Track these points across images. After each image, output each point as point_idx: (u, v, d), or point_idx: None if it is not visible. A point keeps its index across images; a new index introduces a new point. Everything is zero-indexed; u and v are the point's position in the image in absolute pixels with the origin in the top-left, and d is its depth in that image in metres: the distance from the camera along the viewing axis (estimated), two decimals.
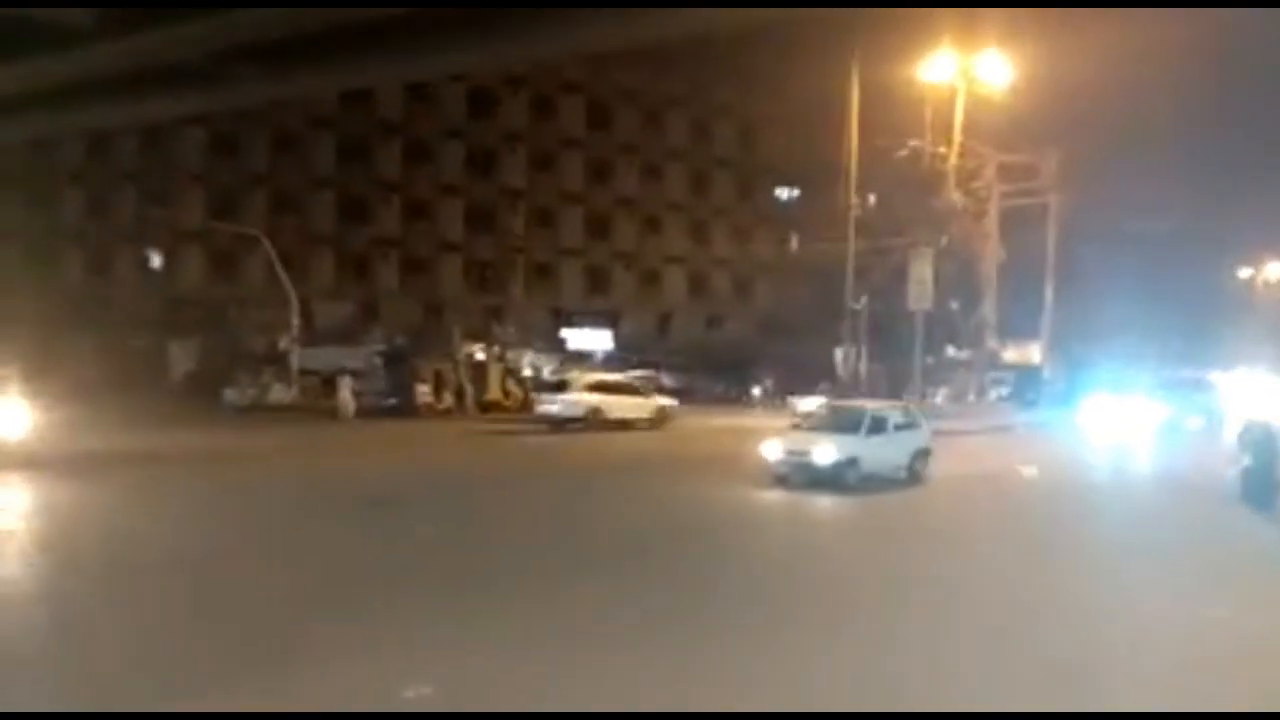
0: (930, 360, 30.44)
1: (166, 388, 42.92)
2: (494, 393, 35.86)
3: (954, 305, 31.51)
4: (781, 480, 15.81)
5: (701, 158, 58.79)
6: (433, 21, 17.83)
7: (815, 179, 44.58)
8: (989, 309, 30.63)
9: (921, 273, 28.21)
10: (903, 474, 16.62)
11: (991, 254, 30.20)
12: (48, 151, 47.13)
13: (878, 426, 16.61)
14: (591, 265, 57.35)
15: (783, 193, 59.39)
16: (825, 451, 15.70)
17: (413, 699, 5.99)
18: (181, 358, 46.98)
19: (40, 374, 21.83)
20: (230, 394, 35.01)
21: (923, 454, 17.26)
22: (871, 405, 18.63)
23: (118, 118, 27.66)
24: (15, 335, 38.52)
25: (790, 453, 16.06)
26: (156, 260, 52.56)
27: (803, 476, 15.69)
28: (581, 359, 46.65)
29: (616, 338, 52.06)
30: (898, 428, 17.11)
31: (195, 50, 18.02)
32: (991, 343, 30.91)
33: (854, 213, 29.82)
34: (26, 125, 25.76)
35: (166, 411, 30.39)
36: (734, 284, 59.24)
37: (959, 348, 32.23)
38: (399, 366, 35.70)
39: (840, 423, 16.95)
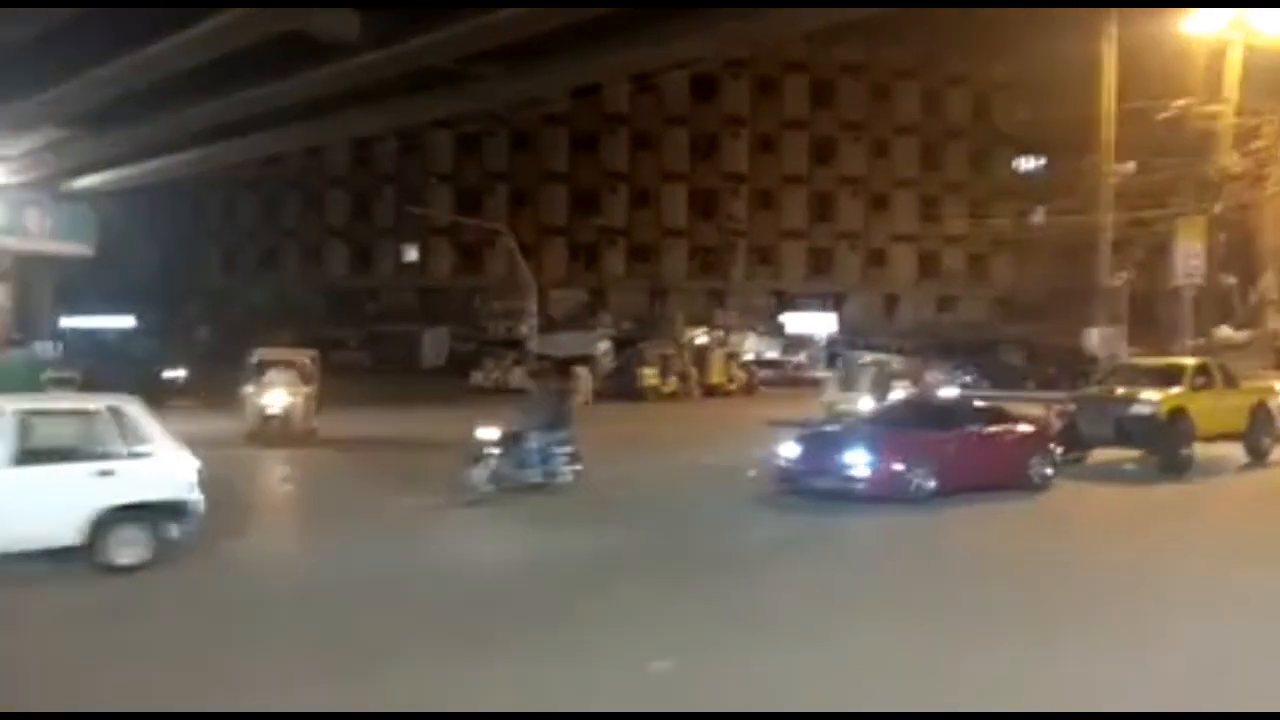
0: (1200, 341, 27.47)
1: (420, 371, 46.57)
2: (717, 376, 36.21)
3: (1229, 280, 28.30)
4: None
5: (932, 131, 56.24)
6: (662, 11, 18.13)
7: (1059, 147, 41.46)
8: (1270, 284, 27.28)
9: (1190, 244, 25.46)
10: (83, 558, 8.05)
11: (1274, 223, 26.85)
12: (318, 158, 52.31)
13: None
14: (815, 247, 56.49)
15: (1022, 163, 55.69)
16: None
17: None
18: (432, 344, 50.87)
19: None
20: (476, 376, 37.44)
21: (126, 515, 8.20)
22: None
23: (376, 123, 30.09)
24: (292, 325, 43.38)
25: None
26: (411, 255, 57.05)
27: None
28: (803, 343, 46.11)
29: (841, 320, 50.99)
30: (28, 457, 8.09)
31: (448, 54, 19.29)
32: (1273, 322, 27.49)
33: (1109, 179, 27.44)
34: (301, 134, 28.54)
35: (420, 392, 32.96)
36: (968, 262, 56.33)
37: (1235, 327, 28.83)
38: (625, 351, 36.88)
39: None
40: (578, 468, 12.71)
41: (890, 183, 56.33)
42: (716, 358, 37.40)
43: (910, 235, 56.26)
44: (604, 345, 38.16)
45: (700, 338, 38.53)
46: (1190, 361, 17.04)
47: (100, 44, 18.17)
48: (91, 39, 17.81)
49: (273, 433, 17.59)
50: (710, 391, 34.34)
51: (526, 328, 42.10)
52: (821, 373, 31.83)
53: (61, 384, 25.14)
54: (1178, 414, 15.16)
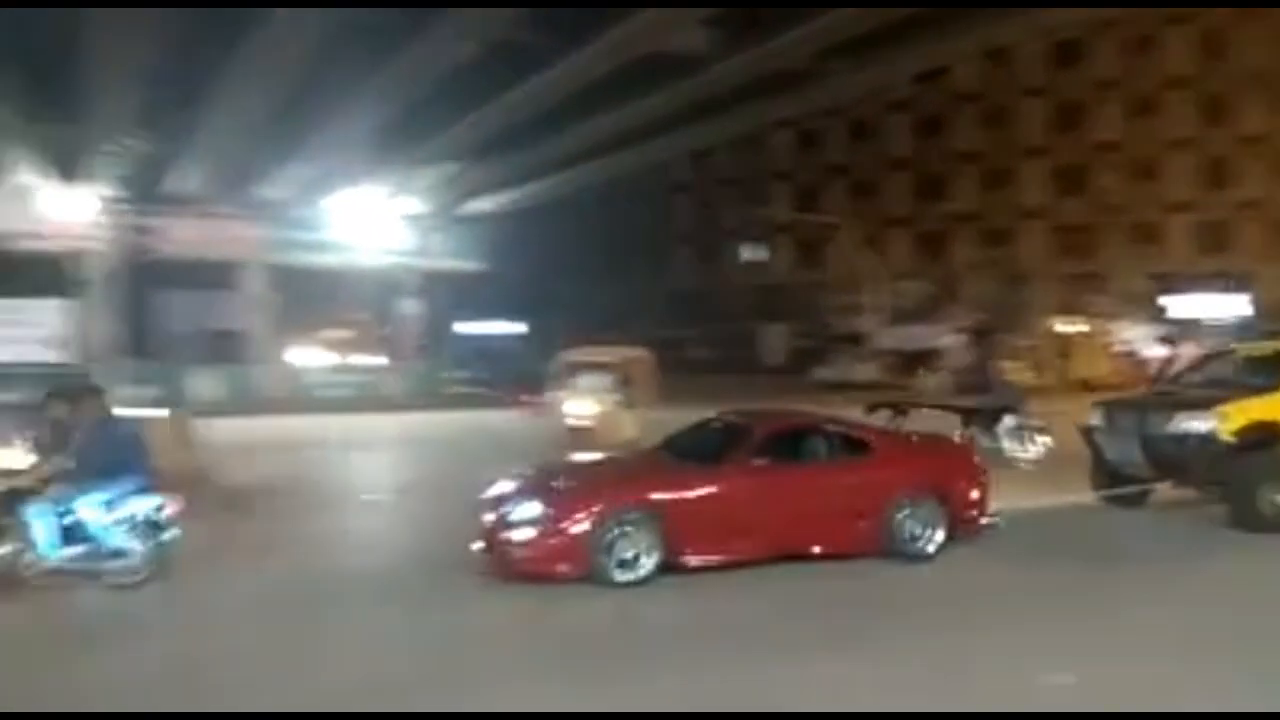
0: None
1: (761, 367, 47.37)
2: (1087, 369, 33.00)
3: None
4: None
5: None
6: None
7: None
8: None
9: None
10: None
11: None
12: (663, 166, 54.98)
13: None
14: (1207, 221, 49.33)
15: None
16: None
17: None
18: (772, 341, 51.58)
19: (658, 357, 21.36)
20: (819, 371, 37.33)
21: None
22: None
23: (726, 131, 30.93)
24: (640, 327, 46.06)
25: None
26: (751, 253, 58.33)
27: None
28: (1196, 329, 40.46)
29: (1252, 304, 43.96)
30: None
31: (797, 55, 19.35)
32: None
33: None
34: (655, 149, 30.17)
35: (760, 390, 33.47)
36: None
37: None
38: (980, 343, 34.83)
39: None
40: (166, 537, 7.65)
41: None
42: (1086, 348, 34.14)
43: None
44: (954, 338, 36.27)
45: (1065, 326, 35.41)
46: None
47: (482, 88, 20.46)
48: (474, 85, 20.09)
49: (579, 446, 14.40)
50: (1086, 386, 31.37)
51: (872, 321, 41.23)
52: None
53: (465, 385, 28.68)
54: (1258, 435, 9.55)
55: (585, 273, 62.27)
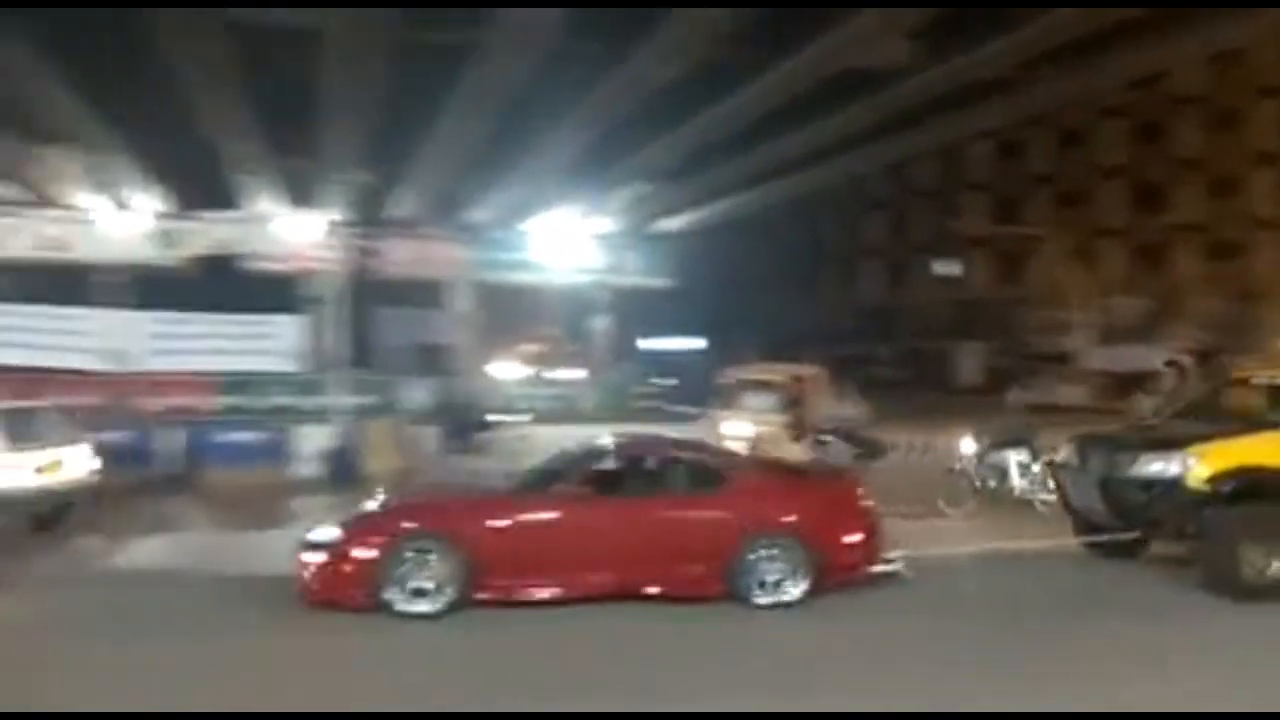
0: None
1: (954, 387, 45.40)
2: None
3: None
4: None
5: None
6: None
7: None
8: None
9: None
10: None
11: None
12: (853, 182, 53.95)
13: None
14: None
15: None
16: None
17: None
18: (968, 359, 49.37)
19: (845, 376, 20.40)
20: (1017, 393, 35.52)
21: None
22: None
23: (920, 144, 29.97)
24: (827, 344, 45.27)
25: None
26: (945, 268, 56.22)
27: None
28: None
29: None
30: None
31: (1000, 64, 18.54)
32: None
33: None
34: (843, 165, 29.59)
35: (951, 410, 32.02)
36: None
37: None
38: (1208, 366, 32.14)
39: None
40: None
41: None
42: None
43: None
44: (1172, 360, 33.54)
45: None
46: None
47: (678, 109, 20.82)
48: (671, 106, 20.48)
49: None
50: None
51: (1080, 340, 38.83)
52: None
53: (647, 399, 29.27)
54: (1240, 481, 7.98)
55: (773, 288, 62.05)
